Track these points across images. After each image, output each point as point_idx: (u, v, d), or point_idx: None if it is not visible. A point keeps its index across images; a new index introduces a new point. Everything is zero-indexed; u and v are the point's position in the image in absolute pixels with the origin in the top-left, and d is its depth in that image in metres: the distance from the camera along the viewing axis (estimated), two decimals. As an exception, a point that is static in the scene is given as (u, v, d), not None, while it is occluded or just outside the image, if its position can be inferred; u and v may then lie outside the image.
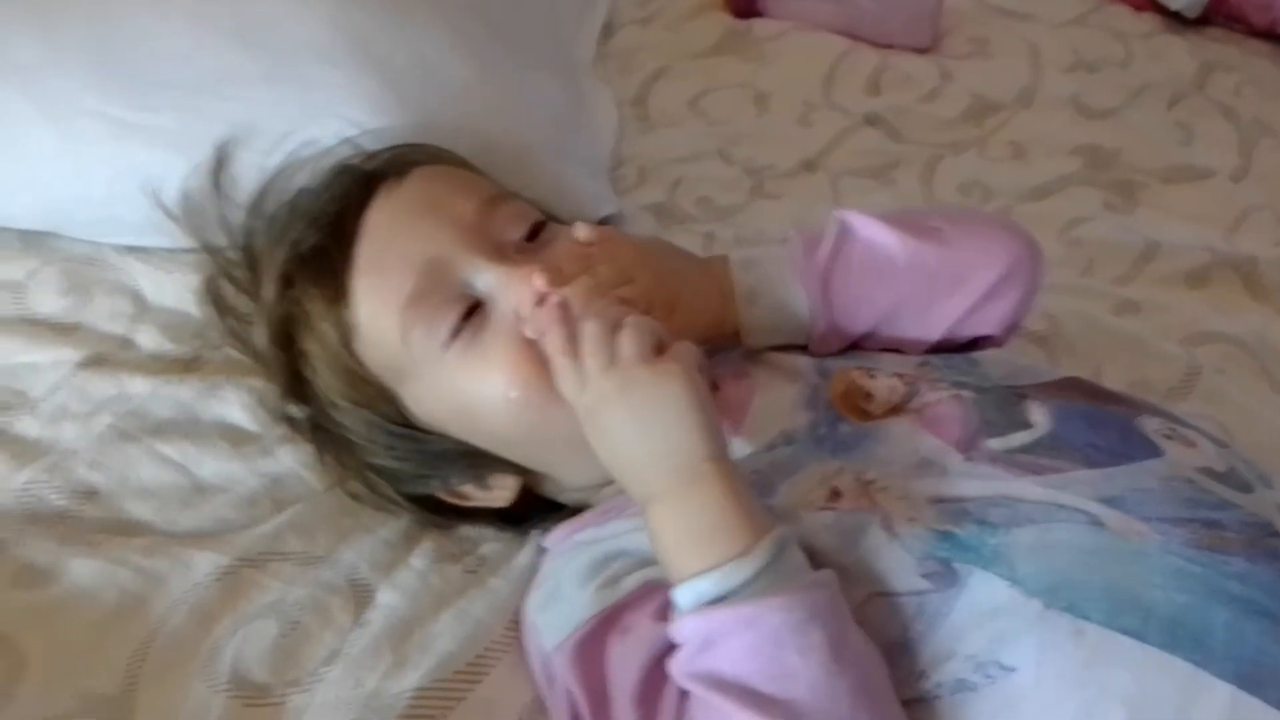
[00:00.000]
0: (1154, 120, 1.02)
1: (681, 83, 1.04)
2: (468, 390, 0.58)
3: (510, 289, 0.57)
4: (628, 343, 0.51)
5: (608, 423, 0.51)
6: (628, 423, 0.51)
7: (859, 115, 1.00)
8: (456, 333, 0.58)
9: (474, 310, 0.58)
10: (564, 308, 0.54)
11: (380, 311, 0.59)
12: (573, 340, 0.53)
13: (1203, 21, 1.15)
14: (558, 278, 0.56)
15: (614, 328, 0.52)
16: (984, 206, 0.93)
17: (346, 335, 0.60)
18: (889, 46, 1.09)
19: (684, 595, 0.48)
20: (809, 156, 0.96)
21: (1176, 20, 1.16)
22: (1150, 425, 0.54)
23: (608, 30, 1.10)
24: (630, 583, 0.53)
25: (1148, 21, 1.16)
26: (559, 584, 0.55)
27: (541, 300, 0.55)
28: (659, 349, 0.52)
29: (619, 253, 0.60)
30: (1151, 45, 1.13)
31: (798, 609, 0.45)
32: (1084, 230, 0.90)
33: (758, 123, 1.00)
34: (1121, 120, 1.02)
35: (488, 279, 0.58)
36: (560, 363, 0.53)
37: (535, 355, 0.55)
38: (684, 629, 0.47)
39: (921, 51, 1.09)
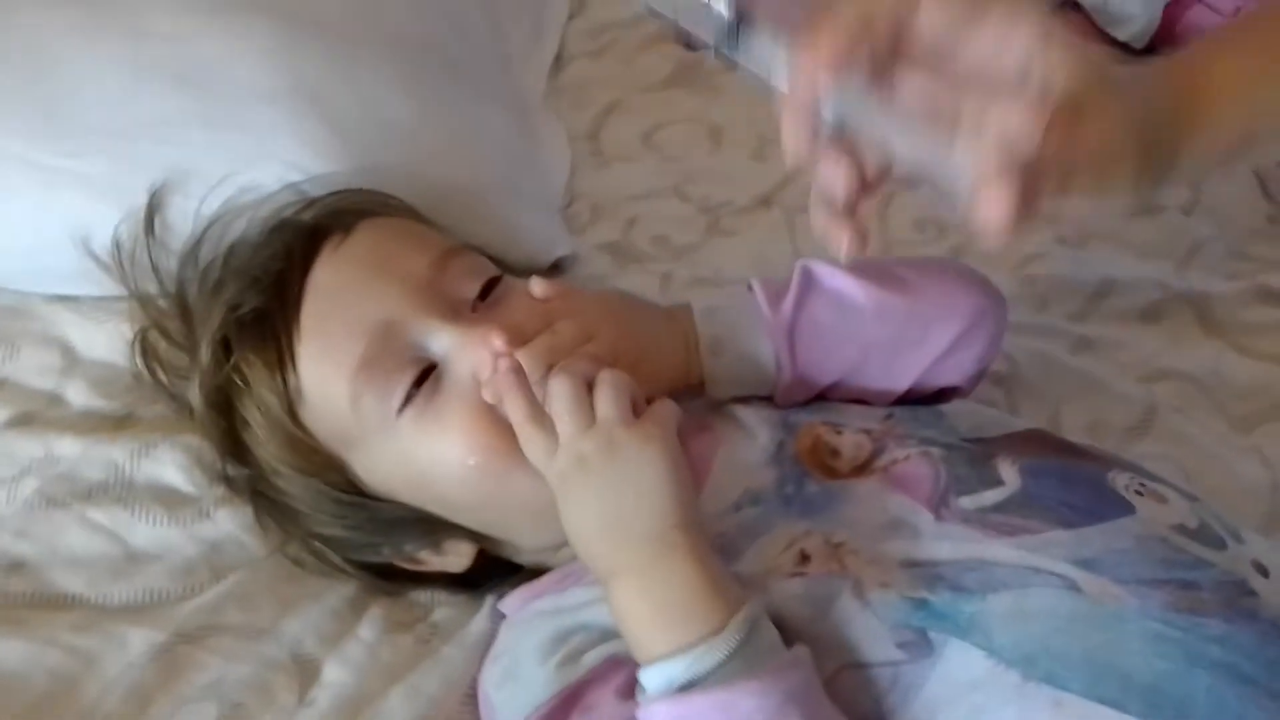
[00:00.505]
0: (1104, 153, 1.02)
1: (634, 117, 1.02)
2: (423, 457, 0.56)
3: (467, 351, 0.55)
4: (605, 402, 0.50)
5: (581, 489, 0.49)
6: (603, 488, 0.49)
7: (814, 150, 0.99)
8: (410, 399, 0.55)
9: (428, 374, 0.56)
10: (519, 371, 0.52)
11: (328, 378, 0.56)
12: (535, 404, 0.51)
13: (1149, 51, 1.17)
14: (517, 336, 0.54)
15: (585, 386, 0.50)
16: (939, 243, 0.92)
17: (291, 403, 0.57)
18: (842, 78, 1.09)
19: (653, 678, 0.46)
20: (765, 192, 0.95)
21: (1123, 50, 1.17)
22: (1120, 480, 0.53)
23: (558, 63, 1.08)
24: (592, 658, 0.51)
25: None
26: (517, 660, 0.53)
27: (500, 361, 0.53)
28: (635, 407, 0.50)
29: (579, 307, 0.58)
30: (1099, 77, 1.13)
31: (773, 693, 0.44)
32: (1037, 266, 0.90)
33: (712, 158, 0.99)
34: (1073, 153, 1.02)
35: (443, 341, 0.56)
36: (527, 429, 0.51)
37: (495, 420, 0.53)
38: (654, 715, 0.45)
39: (874, 83, 1.09)
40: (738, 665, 0.44)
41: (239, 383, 0.59)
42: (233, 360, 0.58)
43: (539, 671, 0.51)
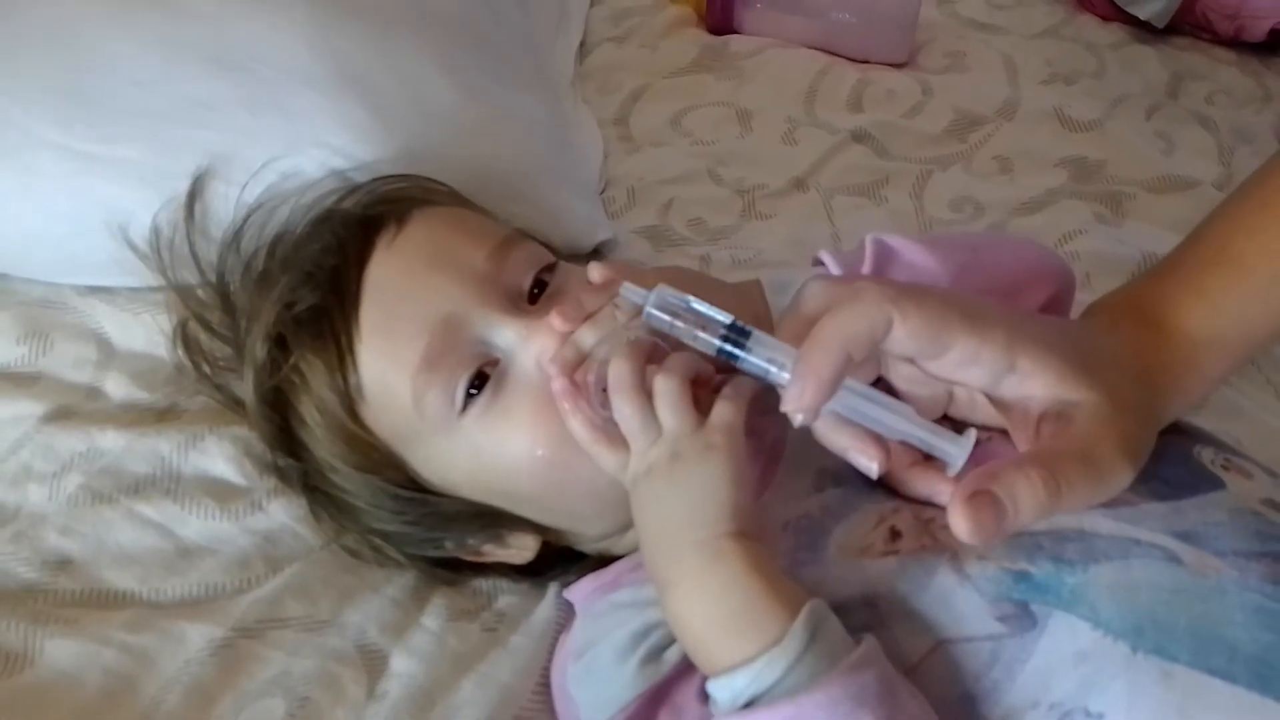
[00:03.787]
0: (1134, 131, 1.02)
1: (662, 101, 1.01)
2: (488, 451, 0.54)
3: (531, 343, 0.54)
4: (666, 412, 0.49)
5: (645, 497, 0.49)
6: (662, 496, 0.48)
7: (845, 132, 0.98)
8: (474, 395, 0.54)
9: (491, 368, 0.54)
10: (573, 391, 0.52)
11: (390, 377, 0.55)
12: (596, 423, 0.51)
13: (1170, 31, 1.16)
14: (578, 315, 0.53)
15: (647, 395, 0.50)
16: (976, 222, 0.91)
17: (351, 402, 0.56)
18: (866, 62, 1.08)
19: (720, 691, 0.44)
20: (798, 175, 0.94)
21: (1144, 30, 1.16)
22: (1206, 455, 0.52)
23: (582, 50, 1.07)
24: (673, 655, 0.49)
25: (1116, 32, 1.17)
26: (598, 657, 0.51)
27: (556, 383, 0.52)
28: (700, 387, 0.49)
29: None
30: (1123, 55, 1.13)
31: (843, 701, 0.42)
32: (1079, 244, 0.89)
33: (743, 141, 0.98)
34: (1104, 131, 1.01)
35: (506, 335, 0.54)
36: (595, 450, 0.51)
37: (575, 392, 0.52)
38: None
39: (898, 66, 1.08)
40: (804, 673, 0.43)
41: (296, 381, 0.57)
42: (292, 360, 0.56)
43: (622, 670, 0.49)
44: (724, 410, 0.50)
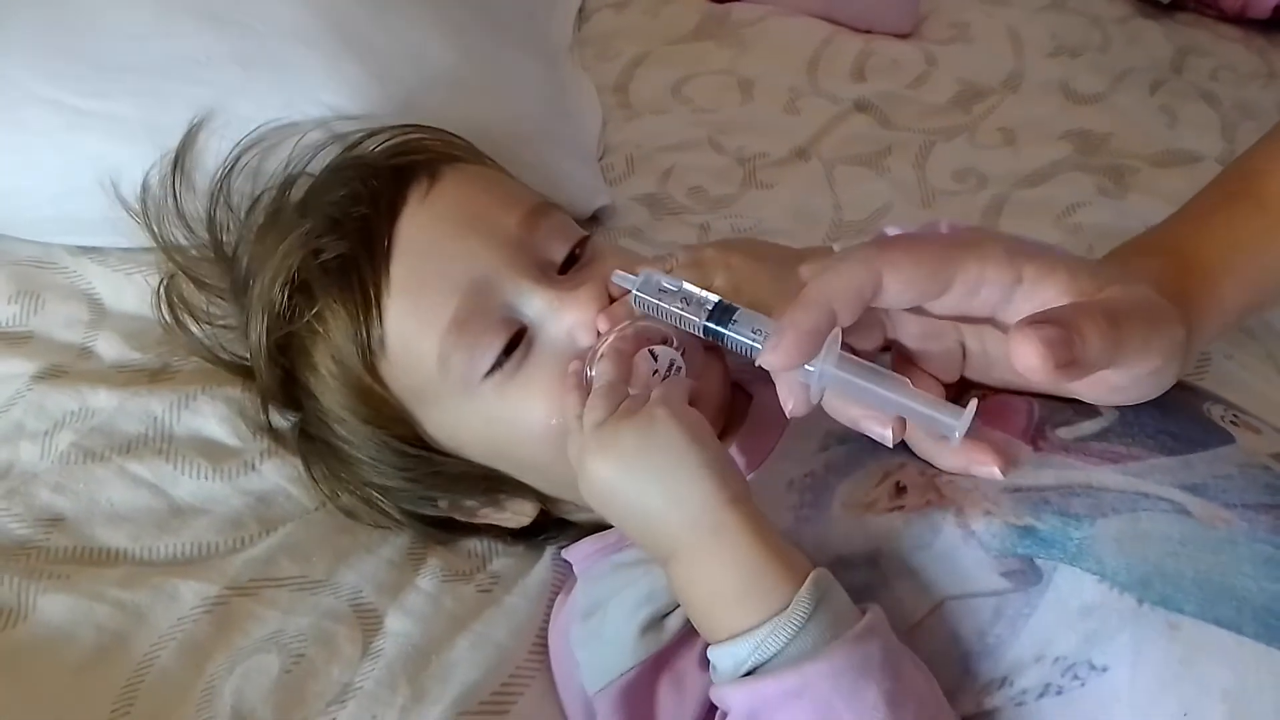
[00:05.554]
0: (1139, 105, 1.01)
1: (662, 69, 1.00)
2: (504, 418, 0.54)
3: (561, 316, 0.53)
4: (588, 410, 0.49)
5: (600, 483, 0.47)
6: (622, 478, 0.47)
7: (848, 102, 0.97)
8: (500, 362, 0.53)
9: (519, 337, 0.54)
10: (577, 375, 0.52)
11: (416, 335, 0.54)
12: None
13: (1175, 6, 1.15)
14: (606, 308, 0.54)
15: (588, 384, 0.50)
16: (979, 194, 0.91)
17: (370, 355, 0.55)
18: (869, 31, 1.07)
19: (722, 659, 0.44)
20: (800, 144, 0.93)
21: (1150, 4, 1.16)
22: (1216, 411, 0.52)
23: (581, 16, 1.06)
24: (676, 621, 0.49)
25: (1121, 6, 1.16)
26: (605, 618, 0.51)
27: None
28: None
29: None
30: (1127, 30, 1.12)
31: (847, 671, 0.41)
32: (1082, 216, 0.88)
33: (745, 110, 0.97)
34: (1108, 105, 1.01)
35: (535, 304, 0.54)
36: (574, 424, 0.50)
37: (579, 380, 0.52)
38: (727, 699, 0.43)
39: (903, 36, 1.07)
40: (806, 643, 0.42)
41: (317, 329, 0.56)
42: (316, 308, 0.55)
43: (625, 634, 0.49)
44: (659, 391, 0.49)
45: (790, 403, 0.46)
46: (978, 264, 0.43)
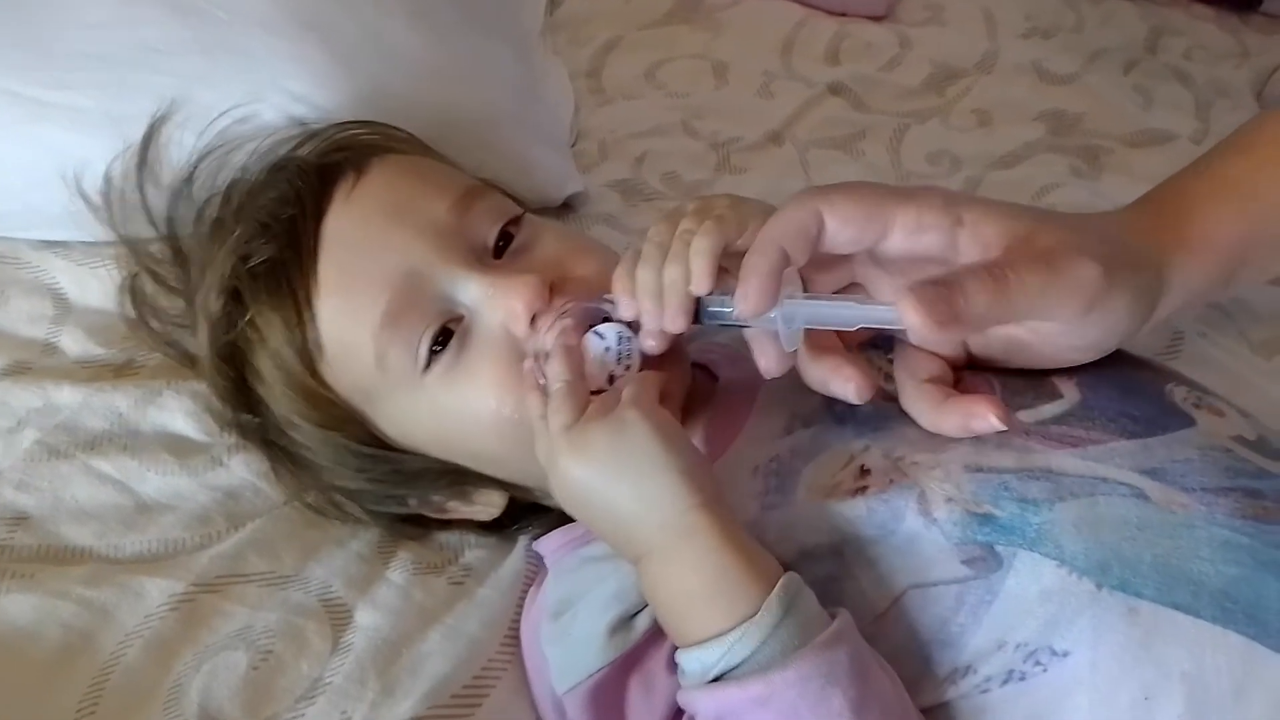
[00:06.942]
0: (1113, 85, 1.01)
1: (635, 53, 0.99)
2: (453, 410, 0.53)
3: (497, 302, 0.52)
4: (551, 414, 0.47)
5: (572, 485, 0.47)
6: (594, 481, 0.46)
7: (821, 85, 0.97)
8: (438, 353, 0.52)
9: (455, 325, 0.53)
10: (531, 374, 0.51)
11: (350, 333, 0.53)
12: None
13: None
14: (546, 290, 0.52)
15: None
16: (953, 176, 0.90)
17: (309, 358, 0.54)
18: (843, 14, 1.06)
19: (690, 663, 0.44)
20: (774, 128, 0.92)
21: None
22: (1178, 394, 0.52)
23: (552, 1, 1.04)
24: (644, 621, 0.49)
25: (1095, -13, 1.15)
26: (574, 619, 0.51)
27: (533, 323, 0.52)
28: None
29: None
30: (1101, 10, 1.12)
31: (814, 678, 0.41)
32: (1056, 197, 0.88)
33: (718, 94, 0.96)
34: (1082, 85, 1.00)
35: (471, 291, 0.53)
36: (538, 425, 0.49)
37: (536, 382, 0.51)
38: (694, 704, 0.43)
39: (877, 19, 1.07)
40: (775, 650, 0.42)
41: (252, 337, 0.55)
42: (248, 315, 0.55)
43: (593, 634, 0.49)
44: (627, 391, 0.48)
45: (764, 360, 0.48)
46: (915, 207, 0.45)
